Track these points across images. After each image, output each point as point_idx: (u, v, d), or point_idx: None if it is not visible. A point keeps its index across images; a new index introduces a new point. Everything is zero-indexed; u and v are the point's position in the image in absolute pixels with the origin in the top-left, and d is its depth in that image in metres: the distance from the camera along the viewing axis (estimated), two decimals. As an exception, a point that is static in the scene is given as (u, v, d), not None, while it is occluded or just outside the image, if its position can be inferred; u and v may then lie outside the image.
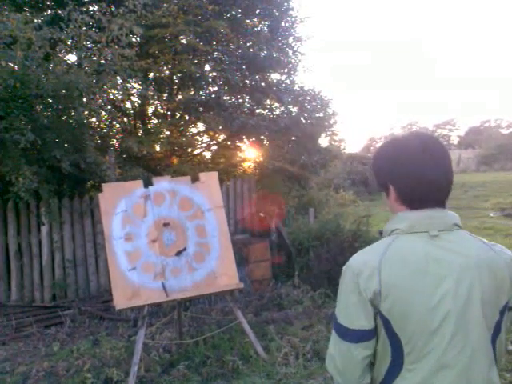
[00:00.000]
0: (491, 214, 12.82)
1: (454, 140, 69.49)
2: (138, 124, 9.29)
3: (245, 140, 9.29)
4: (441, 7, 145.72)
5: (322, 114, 9.24)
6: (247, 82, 9.07)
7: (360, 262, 1.40)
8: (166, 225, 4.73)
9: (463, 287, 1.33)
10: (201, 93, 8.71)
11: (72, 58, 7.26)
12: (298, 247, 7.18)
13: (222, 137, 9.49)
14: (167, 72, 8.83)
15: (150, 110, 9.43)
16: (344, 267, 1.44)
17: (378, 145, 1.57)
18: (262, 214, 7.32)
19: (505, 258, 1.41)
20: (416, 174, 1.41)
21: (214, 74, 8.77)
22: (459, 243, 1.38)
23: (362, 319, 1.37)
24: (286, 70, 9.64)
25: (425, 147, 1.43)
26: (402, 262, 1.35)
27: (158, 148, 8.67)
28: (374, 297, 1.34)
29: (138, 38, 8.02)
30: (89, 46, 7.06)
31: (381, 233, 1.53)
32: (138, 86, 8.35)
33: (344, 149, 17.17)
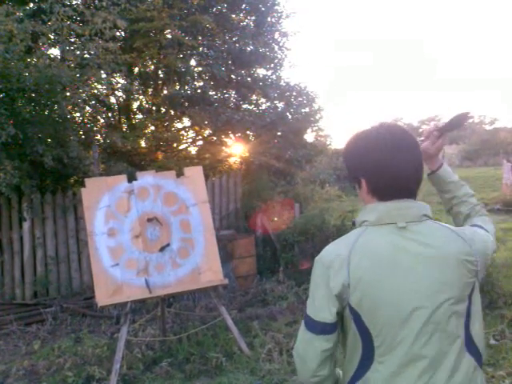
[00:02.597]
0: (475, 210, 12.93)
1: (439, 136, 70.05)
2: (123, 119, 9.19)
3: (230, 135, 9.24)
4: (441, 7, 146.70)
5: (307, 110, 9.23)
6: (233, 77, 9.01)
7: (331, 254, 1.40)
8: (149, 220, 4.68)
9: (431, 278, 1.34)
10: (186, 88, 8.64)
11: (54, 51, 7.15)
12: (282, 243, 7.17)
13: (207, 132, 9.43)
14: (152, 66, 8.75)
15: (135, 104, 9.33)
16: (316, 258, 1.44)
17: (348, 138, 1.55)
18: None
19: (473, 249, 1.40)
20: (384, 167, 1.40)
21: (200, 68, 8.70)
22: (427, 234, 1.38)
23: (325, 312, 1.38)
24: (271, 65, 9.59)
25: (393, 139, 1.41)
26: (371, 254, 1.35)
27: (142, 143, 8.59)
28: (343, 290, 1.35)
29: (123, 32, 7.91)
30: (72, 39, 6.96)
31: (354, 223, 1.52)
32: (123, 81, 8.26)
33: (330, 144, 17.18)
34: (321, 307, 1.39)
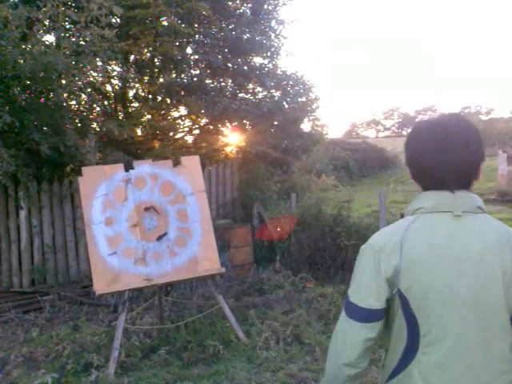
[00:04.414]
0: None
1: (435, 126, 70.17)
2: (119, 107, 9.13)
3: (227, 124, 9.21)
4: (438, 5, 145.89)
5: (304, 99, 9.20)
6: (229, 65, 8.95)
7: (381, 239, 1.39)
8: (147, 209, 4.68)
9: (483, 269, 1.32)
10: (182, 76, 8.58)
11: (50, 38, 7.09)
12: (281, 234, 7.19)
13: (204, 121, 9.39)
14: (148, 54, 8.67)
15: (131, 92, 9.26)
16: (363, 246, 1.43)
17: (413, 125, 1.55)
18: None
19: None
20: (437, 161, 1.38)
21: (196, 56, 8.64)
22: (482, 225, 1.37)
23: (373, 298, 1.36)
24: (268, 54, 9.52)
25: (447, 131, 1.39)
26: (424, 239, 1.34)
27: (139, 132, 8.55)
28: (395, 273, 1.33)
29: (118, 19, 7.83)
30: (67, 26, 6.88)
31: (402, 215, 1.51)
32: (119, 69, 8.20)
33: (326, 134, 17.17)
34: (368, 293, 1.37)
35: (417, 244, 1.33)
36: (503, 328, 1.34)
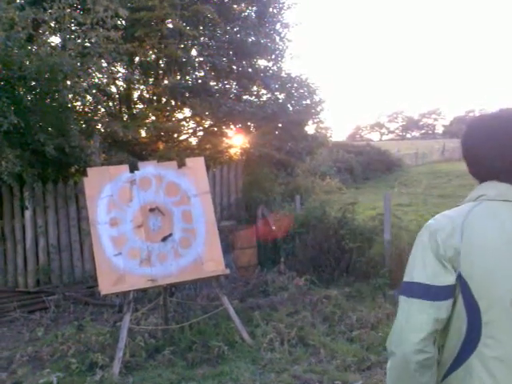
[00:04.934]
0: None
1: (439, 129, 70.06)
2: (124, 108, 9.16)
3: (231, 126, 9.23)
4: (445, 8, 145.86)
5: (308, 101, 9.21)
6: (234, 67, 8.98)
7: (440, 220, 1.36)
8: (151, 210, 4.69)
9: None
10: (187, 78, 8.61)
11: (56, 39, 7.12)
12: (283, 234, 7.19)
13: (208, 123, 9.41)
14: (153, 56, 8.71)
15: (136, 94, 9.30)
16: (425, 225, 1.39)
17: (470, 120, 1.56)
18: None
19: None
20: (498, 154, 1.38)
21: (201, 59, 8.66)
22: None
23: (440, 274, 1.29)
24: (273, 57, 9.55)
25: (506, 127, 1.39)
26: (488, 223, 1.30)
27: (143, 133, 8.58)
28: (455, 255, 1.28)
29: (124, 21, 7.87)
30: (73, 27, 6.92)
31: None
32: (124, 70, 8.23)
33: (330, 136, 17.16)
34: (434, 270, 1.29)
35: (480, 228, 1.30)
36: None
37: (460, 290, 1.28)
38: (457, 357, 1.30)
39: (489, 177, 1.40)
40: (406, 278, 1.35)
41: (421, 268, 1.32)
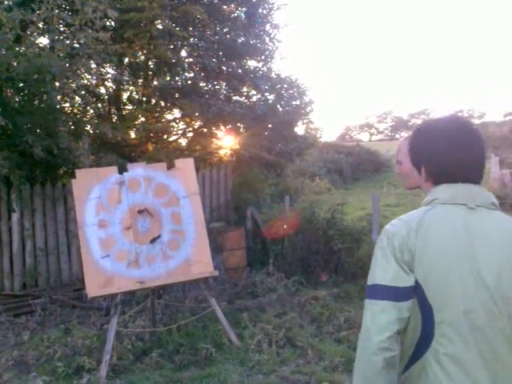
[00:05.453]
0: (463, 203, 13.06)
1: (429, 130, 70.46)
2: (113, 110, 9.12)
3: (221, 127, 9.22)
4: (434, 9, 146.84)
5: (298, 102, 9.23)
6: (224, 68, 8.97)
7: (396, 225, 1.42)
8: (140, 212, 4.68)
9: (498, 260, 1.34)
10: (177, 79, 8.58)
11: (44, 40, 7.07)
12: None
13: (198, 124, 9.40)
14: (142, 57, 8.67)
15: (125, 95, 9.26)
16: (381, 233, 1.45)
17: (416, 125, 1.63)
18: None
19: None
20: (450, 157, 1.45)
21: (191, 59, 8.65)
22: (495, 218, 1.41)
23: (400, 276, 1.35)
24: (262, 57, 9.56)
25: (460, 130, 1.47)
26: (440, 227, 1.36)
27: (132, 134, 8.55)
28: (411, 258, 1.34)
29: (113, 22, 7.83)
30: (61, 28, 6.87)
31: None
32: (113, 71, 8.20)
33: (320, 137, 17.23)
34: (395, 272, 1.35)
35: (433, 231, 1.35)
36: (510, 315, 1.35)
37: (415, 291, 1.35)
38: (414, 353, 1.37)
39: (444, 179, 1.46)
40: (369, 282, 1.42)
41: (382, 271, 1.38)
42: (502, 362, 1.32)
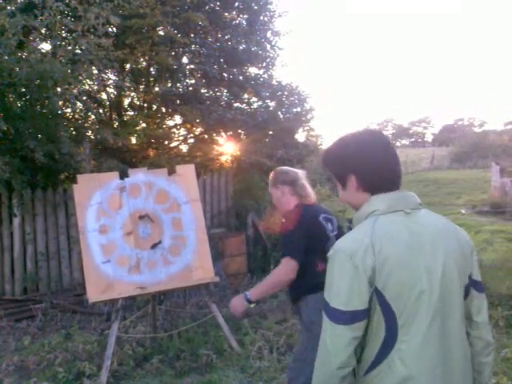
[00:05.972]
0: (463, 211, 13.08)
1: (429, 137, 70.59)
2: (114, 115, 9.15)
3: (222, 134, 9.25)
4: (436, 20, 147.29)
5: (299, 109, 9.26)
6: (225, 75, 9.02)
7: (351, 243, 1.47)
8: (141, 217, 4.68)
9: (440, 254, 1.48)
10: (178, 85, 8.63)
11: (46, 46, 7.10)
12: (273, 241, 7.19)
13: (199, 130, 9.43)
14: (144, 63, 8.72)
15: (126, 101, 9.31)
16: (331, 252, 1.50)
17: (331, 141, 1.73)
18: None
19: (463, 234, 1.62)
20: (383, 165, 1.57)
21: (192, 66, 8.70)
22: (427, 218, 1.56)
23: (356, 299, 1.42)
24: (263, 64, 9.61)
25: (386, 142, 1.61)
26: (390, 237, 1.46)
27: (133, 140, 8.57)
28: (372, 273, 1.42)
29: (115, 28, 7.88)
30: (64, 34, 6.91)
31: (350, 221, 1.65)
32: (114, 77, 8.23)
33: (321, 144, 17.25)
34: (351, 296, 1.42)
35: (386, 243, 1.44)
36: (460, 304, 1.52)
37: (377, 301, 1.44)
38: (377, 354, 1.46)
39: (380, 187, 1.56)
40: (327, 299, 1.48)
41: (337, 294, 1.45)
42: (452, 355, 1.47)
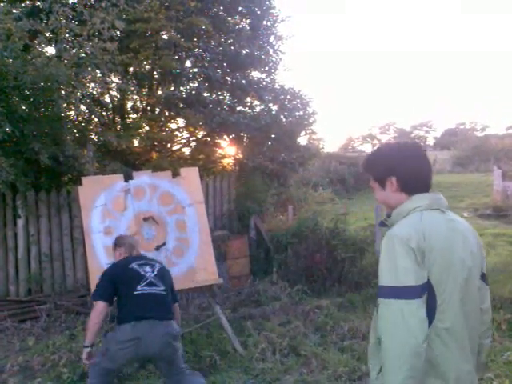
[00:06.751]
0: (465, 214, 13.08)
1: (431, 141, 70.60)
2: (117, 118, 9.19)
3: (225, 137, 9.28)
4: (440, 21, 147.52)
5: (301, 113, 9.29)
6: (228, 79, 9.05)
7: (406, 230, 1.67)
8: (145, 219, 4.72)
9: (468, 249, 1.73)
10: (181, 89, 8.66)
11: (51, 50, 7.15)
12: (276, 244, 7.22)
13: (201, 133, 9.46)
14: (148, 67, 8.76)
15: (130, 104, 9.34)
16: (386, 238, 1.70)
17: (377, 146, 1.98)
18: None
19: (476, 233, 1.87)
20: (422, 169, 1.82)
21: (195, 70, 8.73)
22: (456, 218, 1.81)
23: (421, 274, 1.62)
24: (266, 69, 9.65)
25: (423, 151, 1.86)
26: (434, 229, 1.68)
27: (136, 143, 8.61)
28: (422, 256, 1.63)
29: (119, 32, 7.93)
30: (69, 38, 6.96)
31: (389, 215, 1.85)
32: (118, 80, 8.27)
33: (323, 148, 17.29)
34: (416, 271, 1.61)
35: (433, 233, 1.66)
36: (478, 294, 1.78)
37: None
38: None
39: (418, 188, 1.79)
40: (391, 283, 1.65)
41: (405, 273, 1.62)
42: (471, 333, 1.72)
